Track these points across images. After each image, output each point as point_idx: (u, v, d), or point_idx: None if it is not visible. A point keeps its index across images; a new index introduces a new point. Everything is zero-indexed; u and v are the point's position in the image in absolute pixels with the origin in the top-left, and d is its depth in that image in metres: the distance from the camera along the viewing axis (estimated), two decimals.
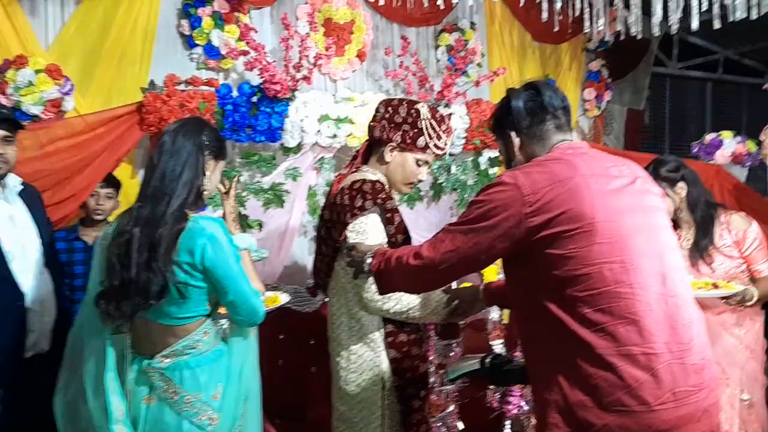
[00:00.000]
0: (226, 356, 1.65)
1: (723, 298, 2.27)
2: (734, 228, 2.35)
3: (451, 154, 3.19)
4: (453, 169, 3.25)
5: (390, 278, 1.51)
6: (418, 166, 1.89)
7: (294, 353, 2.67)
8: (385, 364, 1.84)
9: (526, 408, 2.15)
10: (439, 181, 3.21)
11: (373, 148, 1.92)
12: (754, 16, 2.76)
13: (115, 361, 1.58)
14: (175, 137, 1.57)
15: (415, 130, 1.84)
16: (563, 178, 1.30)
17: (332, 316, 1.89)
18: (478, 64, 3.29)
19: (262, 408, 2.31)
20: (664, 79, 5.16)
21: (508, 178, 1.32)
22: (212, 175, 1.64)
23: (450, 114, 2.07)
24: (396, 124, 1.84)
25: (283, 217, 2.76)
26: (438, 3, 2.61)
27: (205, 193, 1.62)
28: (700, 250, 2.37)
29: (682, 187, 2.38)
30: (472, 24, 3.28)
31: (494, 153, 3.30)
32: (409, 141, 1.84)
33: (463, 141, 3.14)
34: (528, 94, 1.46)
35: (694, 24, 2.75)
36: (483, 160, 3.27)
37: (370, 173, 1.88)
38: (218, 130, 1.73)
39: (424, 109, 1.86)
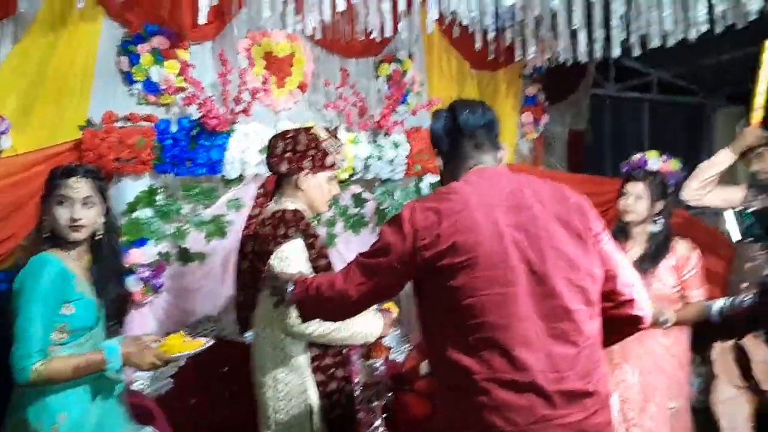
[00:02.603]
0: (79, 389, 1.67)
1: None
2: (679, 253, 2.51)
3: (393, 180, 3.27)
4: (396, 194, 3.33)
5: (310, 307, 1.59)
6: (329, 182, 2.04)
7: (240, 385, 2.67)
8: (312, 389, 1.91)
9: None
10: (383, 207, 3.28)
11: (282, 181, 2.02)
12: (670, 43, 2.95)
13: None
14: None
15: (321, 152, 1.99)
16: (453, 213, 1.38)
17: (256, 346, 1.96)
18: (418, 93, 3.40)
19: None
20: (603, 101, 5.39)
21: (407, 212, 1.41)
22: (48, 216, 1.73)
23: (336, 127, 2.24)
24: (302, 153, 1.98)
25: (225, 247, 2.77)
26: (372, 36, 2.71)
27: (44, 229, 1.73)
28: (644, 269, 2.50)
29: (660, 205, 2.53)
30: (410, 54, 3.40)
31: (435, 178, 3.39)
32: (319, 164, 1.99)
33: (405, 167, 3.23)
34: (446, 114, 1.54)
35: (616, 52, 2.94)
36: (424, 185, 3.37)
37: (289, 202, 1.98)
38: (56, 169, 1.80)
39: (321, 132, 2.02)
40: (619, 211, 2.61)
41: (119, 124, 2.61)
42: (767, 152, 2.74)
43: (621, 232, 2.63)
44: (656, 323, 2.38)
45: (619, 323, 1.52)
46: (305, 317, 1.64)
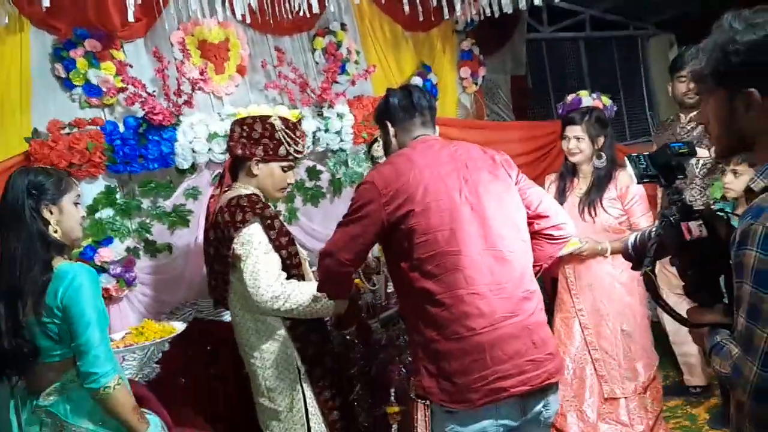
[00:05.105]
0: None
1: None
2: (620, 184, 2.68)
3: (342, 150, 3.39)
4: (349, 162, 3.45)
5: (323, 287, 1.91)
6: (284, 171, 2.11)
7: (223, 361, 2.82)
8: (295, 354, 2.05)
9: (404, 372, 2.41)
10: (337, 176, 3.41)
11: (238, 166, 2.11)
12: None
13: (15, 405, 1.72)
14: (3, 209, 1.68)
15: (275, 142, 2.07)
16: (404, 172, 1.71)
17: (237, 324, 2.10)
18: (355, 62, 3.49)
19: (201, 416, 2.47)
20: (539, 44, 5.54)
21: (369, 178, 1.75)
22: (63, 216, 1.72)
23: (301, 119, 2.34)
24: (255, 140, 2.05)
25: (190, 235, 2.88)
26: (300, 13, 2.79)
27: (55, 235, 1.69)
28: (589, 202, 2.69)
29: (602, 141, 2.70)
30: (343, 25, 3.47)
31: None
32: (271, 153, 2.07)
33: (352, 136, 3.35)
34: (403, 93, 1.87)
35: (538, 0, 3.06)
36: (373, 150, 3.48)
37: (243, 188, 2.07)
38: (42, 171, 1.77)
39: (277, 122, 2.09)
40: (565, 153, 2.78)
41: (66, 130, 2.66)
42: (681, 79, 2.94)
43: (570, 171, 2.81)
44: (597, 253, 2.60)
45: (548, 236, 1.90)
46: (329, 296, 1.94)
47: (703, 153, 2.86)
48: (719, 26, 1.12)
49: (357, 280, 2.22)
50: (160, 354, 2.43)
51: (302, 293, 1.96)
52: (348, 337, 2.33)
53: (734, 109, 1.11)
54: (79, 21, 2.78)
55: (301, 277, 2.06)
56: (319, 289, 1.91)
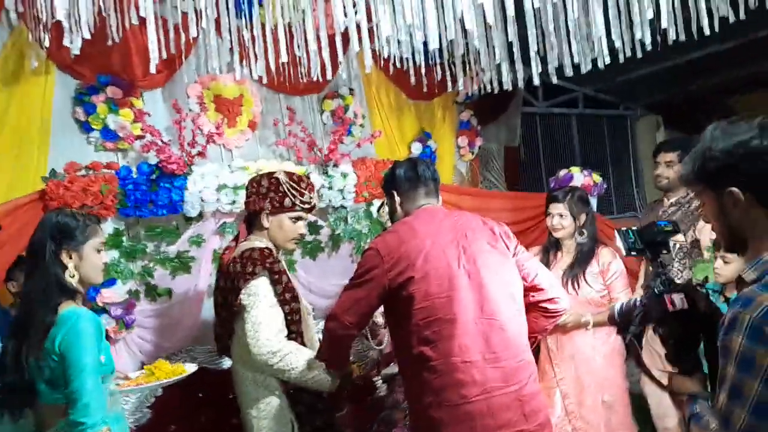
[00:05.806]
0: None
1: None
2: (602, 260, 2.81)
3: (343, 207, 3.51)
4: (349, 220, 3.57)
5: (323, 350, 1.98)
6: (294, 222, 2.21)
7: (215, 409, 2.83)
8: (289, 407, 2.09)
9: None
10: (337, 232, 3.51)
11: (252, 220, 2.22)
12: (583, 71, 3.31)
13: None
14: (29, 246, 1.74)
15: (280, 194, 2.17)
16: (406, 240, 1.80)
17: (236, 373, 2.14)
18: (361, 125, 3.66)
19: None
20: (534, 117, 5.79)
21: (374, 244, 1.85)
22: (83, 262, 1.74)
23: (309, 174, 2.48)
24: (263, 195, 2.18)
25: (190, 282, 2.94)
26: (313, 78, 2.95)
27: (71, 280, 1.71)
28: (572, 276, 2.80)
29: (584, 218, 2.83)
30: (351, 90, 3.66)
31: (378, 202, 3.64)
32: (277, 204, 2.17)
33: (354, 195, 3.48)
34: (408, 165, 2.00)
35: (536, 80, 3.26)
36: (374, 209, 3.61)
37: (257, 241, 2.17)
38: (71, 215, 1.79)
39: (282, 176, 2.21)
40: (548, 228, 2.91)
41: (82, 172, 2.75)
42: (663, 161, 3.14)
43: (554, 245, 2.93)
44: (579, 325, 2.70)
45: (543, 309, 1.97)
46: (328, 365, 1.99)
47: (679, 237, 3.00)
48: (703, 136, 1.26)
49: (354, 365, 2.23)
50: (154, 398, 2.45)
51: (298, 357, 2.00)
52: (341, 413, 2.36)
53: (724, 206, 1.23)
54: (104, 68, 2.92)
55: (300, 335, 2.12)
56: (318, 355, 1.97)
